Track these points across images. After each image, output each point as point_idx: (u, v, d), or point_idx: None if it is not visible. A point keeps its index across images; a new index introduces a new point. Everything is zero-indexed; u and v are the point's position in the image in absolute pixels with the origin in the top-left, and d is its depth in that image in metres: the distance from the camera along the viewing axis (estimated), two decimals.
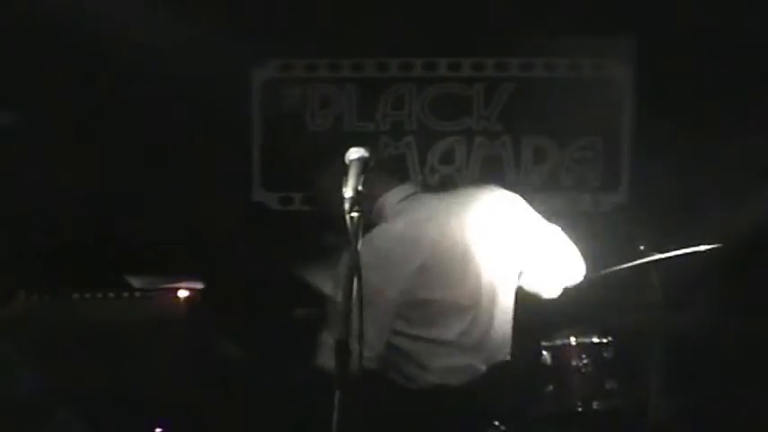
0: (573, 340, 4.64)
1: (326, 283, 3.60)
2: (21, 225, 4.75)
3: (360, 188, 2.43)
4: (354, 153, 2.57)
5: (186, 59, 5.50)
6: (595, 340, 4.65)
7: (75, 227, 5.16)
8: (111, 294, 4.43)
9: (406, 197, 3.76)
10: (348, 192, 2.41)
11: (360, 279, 2.29)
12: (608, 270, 4.75)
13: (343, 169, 2.56)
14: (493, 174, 5.95)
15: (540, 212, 3.91)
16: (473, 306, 3.61)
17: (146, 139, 5.61)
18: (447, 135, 6.02)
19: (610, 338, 4.66)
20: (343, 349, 2.38)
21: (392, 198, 3.74)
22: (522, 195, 5.65)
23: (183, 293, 4.28)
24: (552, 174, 6.01)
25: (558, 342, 4.66)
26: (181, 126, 5.59)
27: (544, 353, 4.63)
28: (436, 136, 6.02)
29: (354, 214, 2.36)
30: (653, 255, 4.65)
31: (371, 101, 6.01)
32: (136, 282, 4.53)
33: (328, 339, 3.12)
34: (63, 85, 5.51)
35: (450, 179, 5.84)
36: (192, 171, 5.64)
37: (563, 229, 4.00)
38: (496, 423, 4.21)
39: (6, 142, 4.92)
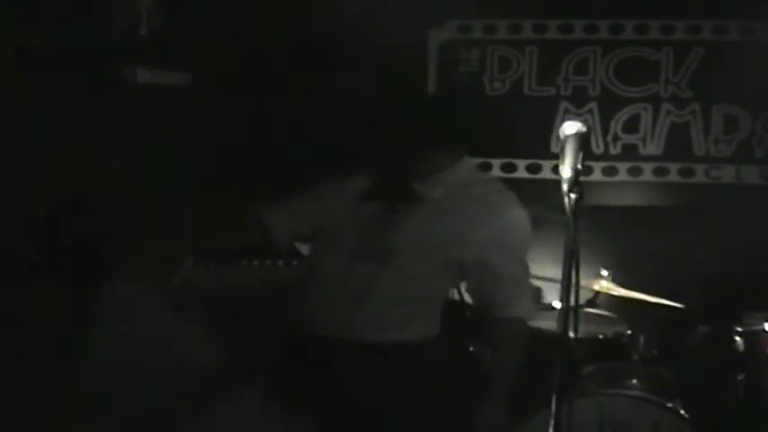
0: None
1: None
2: (190, 189, 4.66)
3: (579, 166, 2.19)
4: (571, 127, 2.30)
5: (363, 19, 5.38)
6: None
7: (246, 192, 5.06)
8: (281, 262, 4.33)
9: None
10: (566, 171, 2.17)
11: (578, 263, 2.05)
12: None
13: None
14: (680, 144, 5.73)
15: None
16: None
17: (322, 101, 5.48)
18: (632, 102, 5.76)
19: None
20: (565, 346, 2.11)
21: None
22: (711, 166, 5.53)
23: None
24: (743, 144, 5.71)
25: (753, 328, 4.41)
26: (356, 89, 5.44)
27: (737, 339, 4.40)
28: (621, 102, 5.77)
29: (573, 195, 2.12)
30: None
31: (553, 64, 5.79)
32: (305, 249, 4.41)
33: None
34: (238, 45, 5.41)
35: None
36: (365, 136, 5.49)
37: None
38: (681, 412, 4.03)
39: (180, 104, 4.83)
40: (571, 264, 2.04)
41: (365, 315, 3.41)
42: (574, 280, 2.06)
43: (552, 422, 2.08)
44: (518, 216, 3.55)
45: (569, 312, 2.03)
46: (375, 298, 3.42)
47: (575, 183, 2.13)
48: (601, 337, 4.65)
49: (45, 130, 3.76)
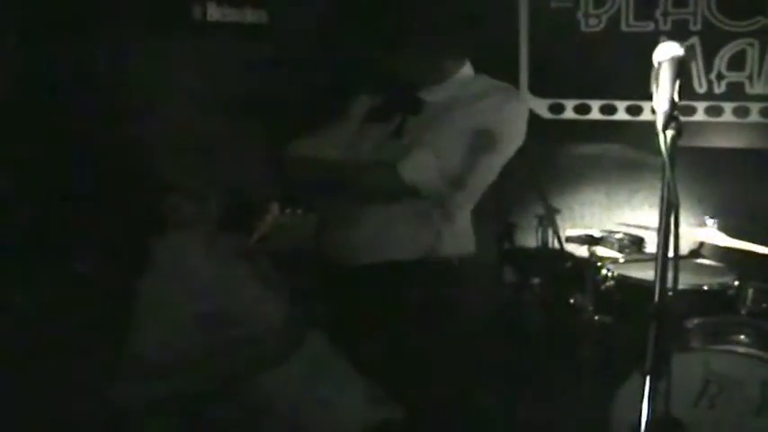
0: None
1: None
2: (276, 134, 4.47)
3: (676, 98, 1.89)
4: (665, 51, 1.98)
5: None
6: None
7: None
8: None
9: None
10: (661, 103, 1.88)
11: (677, 213, 1.76)
12: None
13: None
14: None
15: None
16: None
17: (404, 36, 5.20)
18: (737, 36, 5.39)
19: None
20: (661, 308, 1.83)
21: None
22: None
23: None
24: None
25: None
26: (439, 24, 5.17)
27: None
28: (725, 37, 5.40)
29: (669, 132, 1.83)
30: None
31: None
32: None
33: None
34: None
35: None
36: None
37: None
38: None
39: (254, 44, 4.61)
40: (669, 215, 1.76)
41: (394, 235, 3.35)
42: (672, 232, 1.78)
43: (647, 383, 1.85)
44: (517, 110, 3.43)
45: (666, 269, 1.76)
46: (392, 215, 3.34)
47: (671, 117, 1.85)
48: (706, 288, 4.37)
49: (106, 72, 3.59)
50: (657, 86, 1.91)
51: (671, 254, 1.82)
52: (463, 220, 3.46)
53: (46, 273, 2.90)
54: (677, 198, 1.76)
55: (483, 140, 3.25)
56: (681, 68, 1.92)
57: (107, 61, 3.62)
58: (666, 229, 1.75)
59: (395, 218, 3.33)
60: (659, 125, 1.84)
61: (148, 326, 2.74)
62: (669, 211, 1.75)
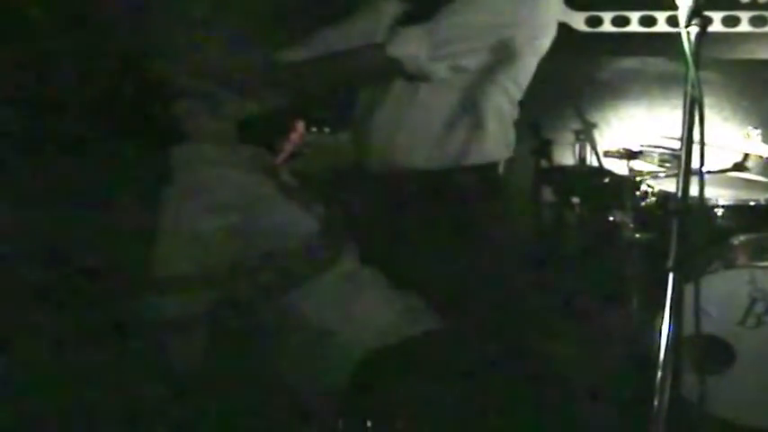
0: None
1: None
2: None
3: None
4: None
5: None
6: None
7: None
8: None
9: None
10: None
11: (702, 115, 1.66)
12: None
13: None
14: None
15: None
16: None
17: None
18: None
19: None
20: (684, 208, 1.72)
21: None
22: None
23: None
24: None
25: None
26: None
27: None
28: None
29: (693, 28, 1.73)
30: None
31: None
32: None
33: None
34: None
35: None
36: None
37: None
38: None
39: None
40: (693, 115, 1.66)
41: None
42: (698, 136, 1.68)
43: (668, 300, 1.77)
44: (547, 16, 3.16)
45: (690, 164, 1.68)
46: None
47: (694, 12, 1.75)
48: (752, 204, 4.26)
49: None
50: None
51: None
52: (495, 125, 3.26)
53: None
54: (701, 95, 1.66)
55: (494, 27, 3.05)
56: None
57: None
58: (690, 123, 1.66)
59: (423, 115, 3.18)
60: (681, 21, 1.75)
61: (173, 239, 2.70)
62: (693, 106, 1.66)
